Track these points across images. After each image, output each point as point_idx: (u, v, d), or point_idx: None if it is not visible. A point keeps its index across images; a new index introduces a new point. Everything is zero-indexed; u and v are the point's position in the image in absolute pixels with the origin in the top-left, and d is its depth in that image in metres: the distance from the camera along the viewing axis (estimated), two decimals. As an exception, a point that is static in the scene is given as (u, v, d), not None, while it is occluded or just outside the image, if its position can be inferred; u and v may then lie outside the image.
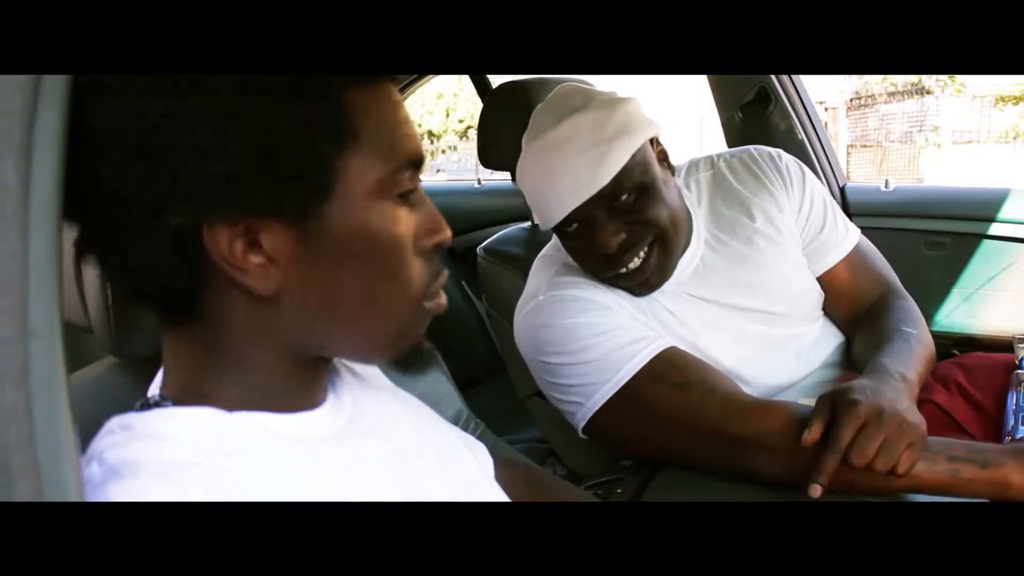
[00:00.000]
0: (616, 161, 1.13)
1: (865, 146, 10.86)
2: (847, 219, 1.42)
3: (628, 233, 1.16)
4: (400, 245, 0.63)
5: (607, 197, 1.15)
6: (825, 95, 9.95)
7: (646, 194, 1.17)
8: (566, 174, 1.14)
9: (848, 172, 8.31)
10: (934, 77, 9.90)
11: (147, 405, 0.62)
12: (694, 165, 1.42)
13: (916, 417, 0.99)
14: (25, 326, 0.42)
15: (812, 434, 0.98)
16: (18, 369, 0.42)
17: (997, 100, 10.32)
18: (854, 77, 10.43)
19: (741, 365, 1.23)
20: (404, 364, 0.68)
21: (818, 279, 1.38)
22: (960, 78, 9.86)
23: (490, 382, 2.48)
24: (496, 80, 2.10)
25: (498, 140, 1.68)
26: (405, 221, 0.63)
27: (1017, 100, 10.21)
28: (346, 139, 0.59)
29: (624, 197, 1.16)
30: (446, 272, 0.69)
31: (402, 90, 2.54)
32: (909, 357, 1.14)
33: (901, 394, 1.02)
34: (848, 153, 10.58)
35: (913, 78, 10.18)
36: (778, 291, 1.30)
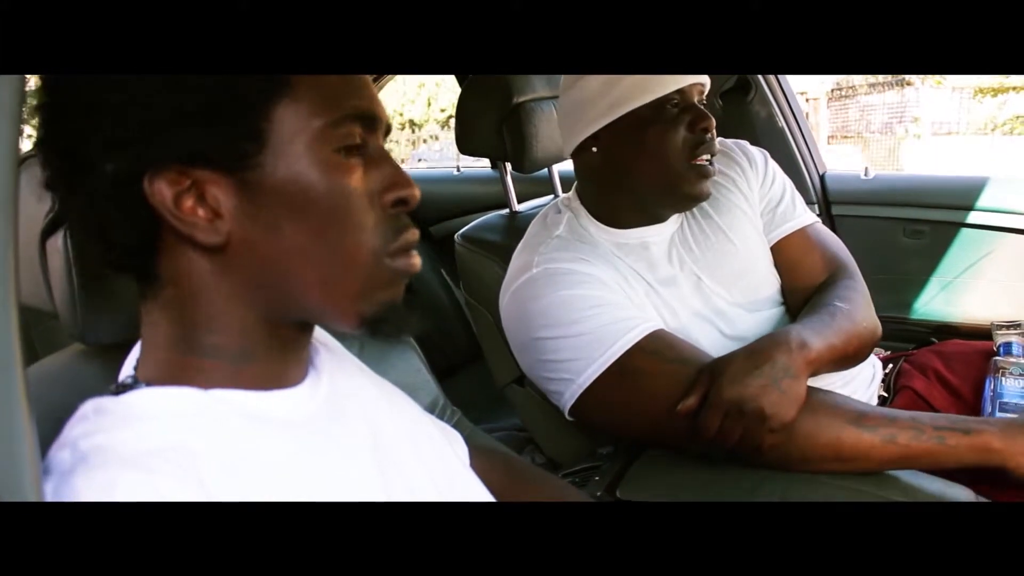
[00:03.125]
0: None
1: (846, 136, 10.91)
2: (807, 207, 1.43)
3: None
4: (348, 196, 0.62)
5: (704, 90, 1.26)
6: (806, 85, 9.97)
7: None
8: None
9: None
10: (914, 69, 9.95)
11: (122, 388, 0.61)
12: None
13: (789, 397, 1.03)
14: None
15: (686, 405, 1.05)
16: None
17: (976, 92, 10.39)
18: (835, 67, 10.46)
19: (710, 343, 1.23)
20: (376, 328, 0.65)
21: (772, 249, 1.38)
22: (940, 69, 9.92)
23: (468, 370, 2.47)
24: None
25: (477, 126, 1.66)
26: (354, 174, 0.62)
27: (995, 92, 10.29)
28: (279, 88, 0.59)
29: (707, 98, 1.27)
30: (415, 231, 0.66)
31: (377, 79, 2.52)
32: (824, 327, 1.15)
33: (789, 365, 1.05)
34: (828, 143, 10.62)
35: (893, 70, 10.23)
36: (745, 275, 1.32)
